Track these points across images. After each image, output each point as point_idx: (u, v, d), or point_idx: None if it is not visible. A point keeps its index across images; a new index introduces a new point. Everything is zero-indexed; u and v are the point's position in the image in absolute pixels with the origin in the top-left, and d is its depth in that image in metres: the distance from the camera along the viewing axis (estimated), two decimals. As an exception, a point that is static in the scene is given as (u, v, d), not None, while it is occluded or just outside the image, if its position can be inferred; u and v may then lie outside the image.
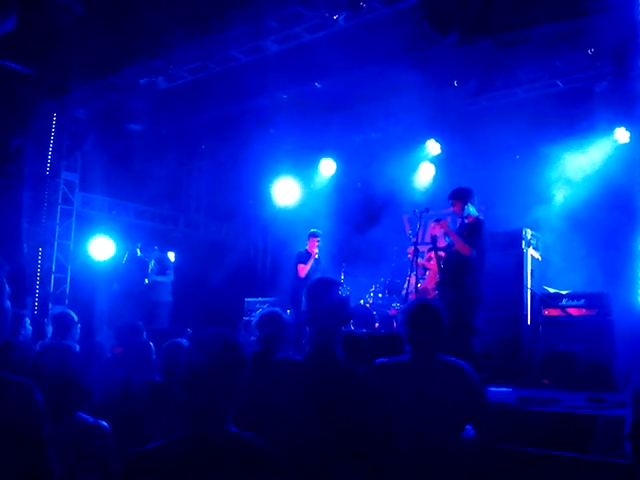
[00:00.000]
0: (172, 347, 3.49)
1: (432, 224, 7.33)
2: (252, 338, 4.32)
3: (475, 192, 6.25)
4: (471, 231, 5.97)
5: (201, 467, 1.73)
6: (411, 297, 6.86)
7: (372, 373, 3.00)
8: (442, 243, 7.24)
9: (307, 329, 2.69)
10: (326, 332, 2.60)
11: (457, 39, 6.80)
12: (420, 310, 3.13)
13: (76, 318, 4.82)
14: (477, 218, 6.09)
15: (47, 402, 1.71)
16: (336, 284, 2.76)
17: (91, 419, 2.39)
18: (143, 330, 4.31)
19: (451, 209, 6.30)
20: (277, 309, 3.90)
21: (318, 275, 8.26)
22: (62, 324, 4.78)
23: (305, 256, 8.59)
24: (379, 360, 3.06)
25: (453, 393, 2.92)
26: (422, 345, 3.04)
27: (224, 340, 1.84)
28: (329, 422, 2.33)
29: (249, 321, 10.05)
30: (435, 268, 7.03)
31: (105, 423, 2.41)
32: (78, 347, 3.81)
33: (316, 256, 8.62)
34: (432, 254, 7.04)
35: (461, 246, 5.93)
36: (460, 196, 6.18)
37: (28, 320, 5.09)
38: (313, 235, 8.77)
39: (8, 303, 1.86)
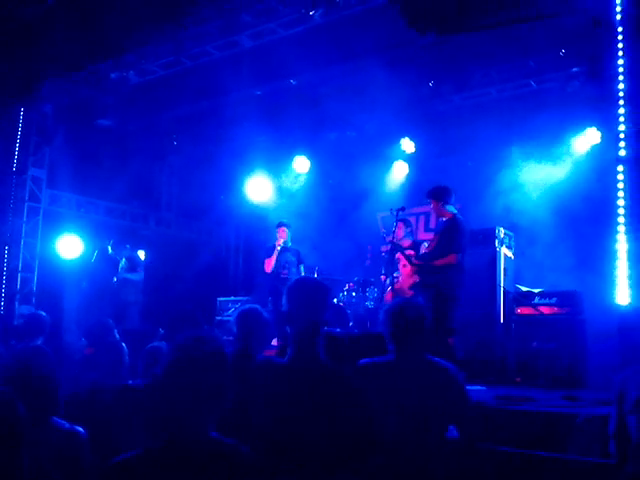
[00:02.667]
0: (152, 351, 3.38)
1: (395, 224, 7.38)
2: (227, 338, 4.24)
3: (452, 190, 6.27)
4: (449, 230, 5.99)
5: (182, 475, 1.66)
6: (386, 297, 6.84)
7: (355, 374, 2.96)
8: (406, 243, 7.32)
9: (287, 330, 2.62)
10: (308, 333, 2.52)
11: (434, 38, 6.79)
12: (402, 309, 3.09)
13: (48, 320, 4.67)
14: (454, 216, 6.11)
15: (26, 406, 1.62)
16: (319, 284, 2.69)
17: (67, 424, 2.29)
18: (114, 329, 4.16)
19: (428, 207, 6.33)
20: (257, 306, 3.81)
21: (292, 266, 8.23)
22: (34, 327, 4.63)
23: (271, 249, 8.35)
24: (363, 361, 3.01)
25: (437, 393, 2.89)
26: (405, 345, 3.00)
27: (205, 342, 1.76)
28: (313, 426, 2.27)
29: (222, 320, 9.96)
30: (408, 270, 7.07)
31: (81, 429, 2.31)
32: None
33: (279, 247, 8.27)
34: (400, 256, 7.07)
35: (445, 260, 5.91)
36: (436, 195, 6.21)
37: None
38: (278, 225, 8.54)
39: None
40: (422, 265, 6.23)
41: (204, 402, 1.73)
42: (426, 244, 7.02)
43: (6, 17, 7.65)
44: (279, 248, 8.23)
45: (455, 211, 6.17)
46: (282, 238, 8.29)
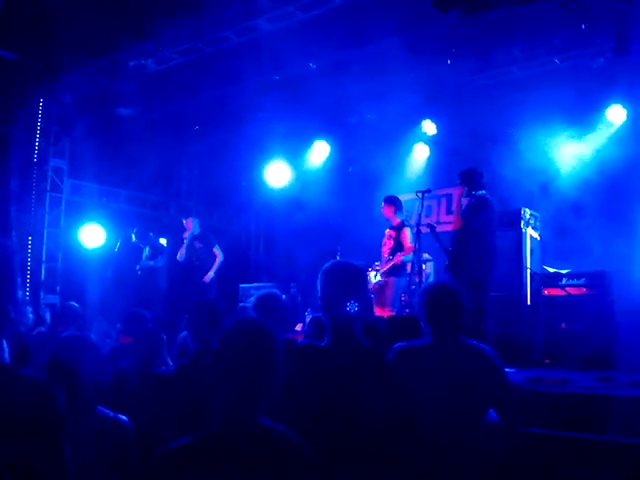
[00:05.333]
0: (184, 341, 3.37)
1: (382, 204, 7.55)
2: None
3: (480, 171, 6.21)
4: (474, 209, 5.95)
5: (234, 463, 1.63)
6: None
7: (392, 357, 2.91)
8: (395, 222, 7.44)
9: (322, 315, 2.57)
10: (347, 317, 2.47)
11: (455, 18, 6.67)
12: (439, 291, 3.04)
13: (79, 311, 4.70)
14: (480, 197, 6.06)
15: (69, 397, 1.60)
16: (355, 268, 2.64)
17: (111, 413, 2.28)
18: (149, 320, 4.16)
19: (450, 189, 6.32)
20: (276, 290, 3.80)
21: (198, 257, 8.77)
22: (66, 316, 4.66)
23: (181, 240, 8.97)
24: (398, 344, 2.97)
25: (476, 377, 2.84)
26: (442, 327, 2.95)
27: (256, 328, 1.73)
28: (356, 411, 2.23)
29: (244, 307, 9.96)
30: (387, 248, 7.35)
31: (125, 417, 2.30)
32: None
33: (186, 236, 8.87)
34: (392, 233, 7.33)
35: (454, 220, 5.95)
36: (464, 177, 6.18)
37: (30, 308, 4.95)
38: (184, 217, 9.26)
39: (20, 293, 1.76)
40: (450, 249, 6.18)
41: (255, 388, 1.70)
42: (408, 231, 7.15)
43: (26, 8, 7.63)
44: (186, 237, 8.90)
45: (485, 193, 6.12)
46: (188, 231, 8.95)
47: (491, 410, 2.93)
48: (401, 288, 7.29)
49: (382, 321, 4.31)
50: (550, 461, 2.98)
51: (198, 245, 8.88)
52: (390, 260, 7.24)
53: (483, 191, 6.18)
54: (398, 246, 7.23)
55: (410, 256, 6.98)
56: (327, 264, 2.54)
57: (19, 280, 1.79)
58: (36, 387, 1.54)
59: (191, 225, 8.94)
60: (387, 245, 7.49)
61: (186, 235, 8.90)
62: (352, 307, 2.40)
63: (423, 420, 2.75)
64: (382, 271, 7.36)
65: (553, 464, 2.99)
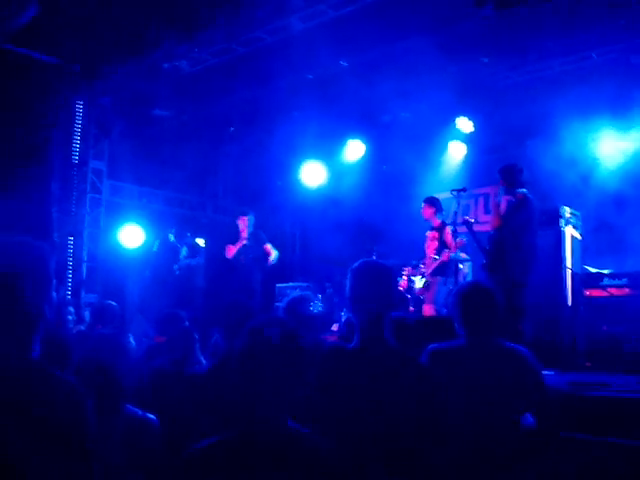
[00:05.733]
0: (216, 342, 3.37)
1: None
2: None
3: (521, 168, 6.05)
4: (514, 208, 5.81)
5: (259, 464, 1.62)
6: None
7: (425, 359, 2.87)
8: (436, 222, 7.39)
9: (351, 316, 2.54)
10: (375, 318, 2.42)
11: (492, 10, 6.55)
12: (473, 291, 2.99)
13: (117, 311, 4.77)
14: (523, 195, 5.88)
15: (99, 395, 1.61)
16: (383, 267, 2.59)
17: (140, 412, 2.29)
18: (185, 320, 4.19)
19: (487, 188, 6.19)
20: (308, 293, 3.75)
21: (247, 256, 8.45)
22: (105, 315, 4.74)
23: (235, 237, 8.54)
24: (432, 346, 2.92)
25: (512, 380, 2.78)
26: (477, 328, 2.90)
27: (281, 328, 1.71)
28: (385, 414, 2.19)
29: (278, 307, 9.99)
30: (431, 249, 7.25)
31: (153, 417, 2.31)
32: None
33: (245, 235, 8.52)
34: (435, 234, 7.25)
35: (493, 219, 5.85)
36: (504, 173, 6.03)
37: (72, 309, 5.04)
38: (240, 213, 8.75)
39: (54, 294, 1.78)
40: (488, 249, 6.06)
41: (281, 389, 1.68)
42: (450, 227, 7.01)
43: (62, 13, 7.78)
44: (246, 237, 8.52)
45: (525, 191, 5.95)
46: (246, 227, 8.54)
47: (528, 414, 2.86)
48: (447, 288, 7.17)
49: (415, 321, 4.24)
50: (586, 467, 2.89)
51: (250, 244, 8.63)
52: (437, 260, 7.18)
53: (524, 189, 6.01)
54: (443, 245, 7.17)
55: (457, 252, 6.95)
56: (356, 263, 2.51)
57: (54, 281, 1.81)
58: (65, 389, 1.55)
59: (247, 224, 8.61)
60: (431, 247, 7.42)
61: (244, 234, 8.56)
62: (380, 307, 2.37)
63: (457, 423, 2.70)
64: (428, 272, 7.32)
65: (589, 470, 2.90)
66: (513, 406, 2.80)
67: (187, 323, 4.06)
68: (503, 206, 6.10)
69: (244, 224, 8.56)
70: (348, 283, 2.52)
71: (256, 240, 8.65)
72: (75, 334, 4.59)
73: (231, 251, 8.50)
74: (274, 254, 8.62)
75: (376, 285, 2.45)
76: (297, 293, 3.65)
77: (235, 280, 8.63)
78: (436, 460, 2.44)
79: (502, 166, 6.20)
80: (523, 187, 6.00)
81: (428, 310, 7.06)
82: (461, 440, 2.70)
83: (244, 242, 8.50)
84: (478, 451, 2.72)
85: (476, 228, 7.10)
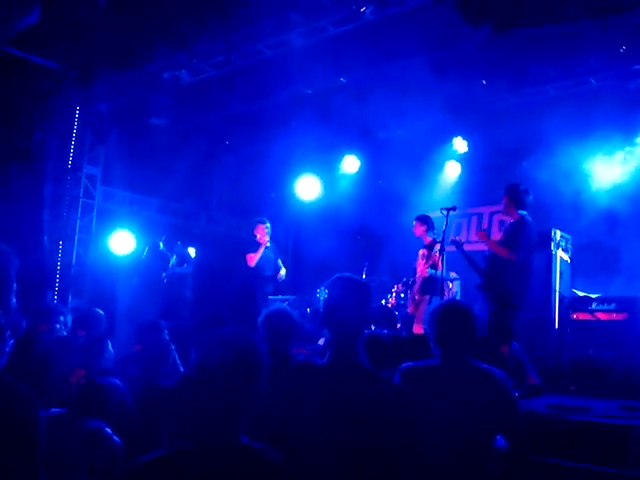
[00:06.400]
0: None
1: (414, 223, 7.54)
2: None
3: (526, 190, 5.99)
4: (515, 231, 5.75)
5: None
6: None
7: (398, 378, 2.85)
8: (427, 240, 7.43)
9: (325, 332, 2.50)
10: (347, 335, 2.39)
11: (489, 32, 6.59)
12: (449, 310, 2.96)
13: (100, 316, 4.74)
14: (522, 217, 5.84)
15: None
16: (359, 282, 2.56)
17: (94, 423, 2.25)
18: (165, 329, 4.14)
19: (481, 208, 6.16)
20: (285, 306, 3.71)
21: (271, 264, 8.22)
22: (87, 321, 4.71)
23: (254, 244, 8.23)
24: (406, 364, 2.89)
25: (485, 401, 2.75)
26: (452, 348, 2.87)
27: (240, 341, 1.68)
28: (351, 433, 2.16)
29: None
30: (421, 268, 7.24)
31: (108, 429, 2.26)
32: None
33: (267, 244, 8.20)
34: (425, 252, 7.29)
35: (499, 250, 5.76)
36: (509, 191, 5.95)
37: (62, 318, 4.99)
38: (259, 222, 8.37)
39: (14, 300, 1.77)
40: (483, 269, 6.01)
41: (233, 404, 1.65)
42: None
43: (63, 18, 7.82)
44: (267, 245, 8.21)
45: (524, 213, 5.91)
46: (266, 235, 8.22)
47: (499, 436, 2.84)
48: (432, 306, 7.12)
49: (392, 339, 4.21)
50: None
51: (270, 255, 8.33)
52: (422, 277, 7.18)
53: (524, 211, 5.93)
54: (432, 264, 7.15)
55: (444, 271, 6.98)
56: (331, 278, 2.48)
57: (14, 286, 1.80)
58: (15, 396, 1.52)
59: (267, 230, 8.28)
60: (420, 265, 7.40)
61: (264, 242, 8.20)
62: (354, 323, 2.34)
63: (428, 442, 2.67)
64: (415, 290, 7.31)
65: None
66: (484, 428, 2.77)
67: (166, 332, 4.02)
68: (495, 228, 6.08)
69: (264, 231, 8.25)
70: (322, 297, 2.49)
71: (273, 251, 8.47)
72: (54, 339, 4.54)
73: (253, 259, 8.16)
74: (284, 271, 8.44)
75: (350, 300, 2.42)
76: (274, 306, 3.60)
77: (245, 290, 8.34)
78: (410, 475, 2.40)
79: (509, 184, 6.12)
80: (525, 209, 5.94)
81: (418, 329, 7.02)
82: (431, 459, 2.67)
83: (266, 247, 8.21)
84: (447, 472, 2.69)
85: (469, 248, 7.09)
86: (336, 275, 2.50)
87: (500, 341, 5.50)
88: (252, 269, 8.14)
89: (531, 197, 6.04)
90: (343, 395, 2.18)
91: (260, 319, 3.36)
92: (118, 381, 2.58)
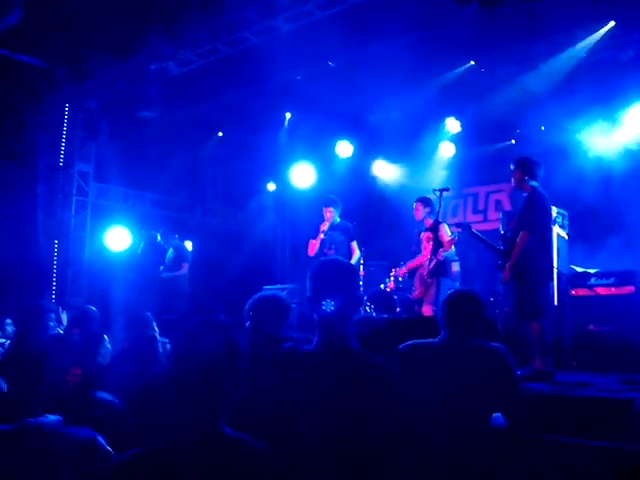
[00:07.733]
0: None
1: (415, 205, 7.29)
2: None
3: (538, 162, 5.79)
4: (529, 204, 5.48)
5: (192, 475, 1.54)
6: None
7: (396, 358, 2.82)
8: (428, 223, 7.17)
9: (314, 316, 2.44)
10: (335, 318, 2.33)
11: (477, 9, 6.51)
12: (457, 297, 3.10)
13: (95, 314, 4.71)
14: (533, 189, 5.50)
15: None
16: (344, 264, 2.50)
17: (87, 433, 2.19)
18: (152, 322, 4.09)
19: (476, 188, 6.03)
20: (276, 292, 3.63)
21: (340, 246, 7.55)
22: (83, 319, 4.68)
23: (316, 231, 7.63)
24: (411, 341, 2.90)
25: (484, 377, 2.74)
26: (456, 329, 2.93)
27: (218, 329, 1.63)
28: (342, 420, 2.11)
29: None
30: (428, 251, 7.02)
31: (93, 433, 2.21)
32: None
33: (324, 228, 7.51)
34: (430, 234, 7.02)
35: (523, 243, 5.51)
36: (523, 165, 5.64)
37: (53, 315, 4.95)
38: (323, 204, 7.69)
39: None
40: (501, 248, 5.83)
41: (214, 393, 1.60)
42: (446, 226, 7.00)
43: (47, 15, 7.73)
44: (325, 229, 7.54)
45: (536, 185, 5.57)
46: (327, 221, 7.57)
47: (499, 413, 2.81)
48: (446, 288, 6.91)
49: (387, 322, 4.17)
50: (558, 469, 2.84)
51: (337, 237, 7.59)
52: (433, 259, 6.95)
53: (535, 182, 5.57)
54: (438, 245, 6.92)
55: (452, 252, 6.84)
56: (316, 261, 2.43)
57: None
58: None
59: (331, 215, 7.58)
60: (427, 248, 7.15)
61: (324, 226, 7.53)
62: (330, 305, 2.28)
63: (426, 421, 2.64)
64: (426, 273, 7.07)
65: (564, 472, 2.84)
66: (484, 404, 2.75)
67: (155, 326, 3.97)
68: (507, 204, 5.87)
69: (331, 215, 7.56)
70: (308, 281, 2.43)
71: (347, 234, 7.67)
72: (50, 337, 4.51)
73: (313, 247, 7.55)
74: (357, 254, 7.74)
75: (336, 283, 2.36)
76: (261, 293, 3.52)
77: None
78: (403, 460, 2.37)
79: (518, 158, 5.83)
80: (536, 180, 5.62)
81: (427, 311, 6.90)
82: (429, 436, 2.64)
83: (322, 236, 7.51)
84: (446, 449, 2.67)
85: (480, 227, 6.88)
86: (320, 259, 2.46)
87: (528, 318, 5.31)
88: (311, 258, 7.48)
89: (542, 170, 5.80)
90: (333, 380, 2.13)
91: (248, 304, 3.31)
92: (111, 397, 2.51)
